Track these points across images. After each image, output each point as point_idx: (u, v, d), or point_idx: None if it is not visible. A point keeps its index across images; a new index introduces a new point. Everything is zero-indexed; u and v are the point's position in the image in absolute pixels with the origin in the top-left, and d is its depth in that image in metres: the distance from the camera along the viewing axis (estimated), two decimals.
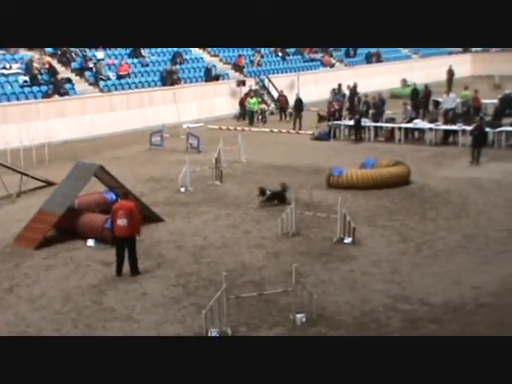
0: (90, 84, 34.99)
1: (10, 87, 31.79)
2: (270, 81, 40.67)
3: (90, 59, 35.96)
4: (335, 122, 31.04)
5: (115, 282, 14.32)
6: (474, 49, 53.81)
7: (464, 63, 52.00)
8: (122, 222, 14.31)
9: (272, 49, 44.47)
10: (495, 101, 33.73)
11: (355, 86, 37.37)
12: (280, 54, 44.63)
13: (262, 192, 19.40)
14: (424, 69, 48.56)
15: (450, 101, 32.43)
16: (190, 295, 13.54)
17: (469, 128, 26.40)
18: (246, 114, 36.63)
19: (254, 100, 36.25)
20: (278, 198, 19.51)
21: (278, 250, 16.01)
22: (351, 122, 30.42)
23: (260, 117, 35.80)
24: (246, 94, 37.46)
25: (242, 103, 37.34)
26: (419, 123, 29.34)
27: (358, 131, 29.63)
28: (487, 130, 26.90)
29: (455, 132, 28.25)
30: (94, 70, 35.43)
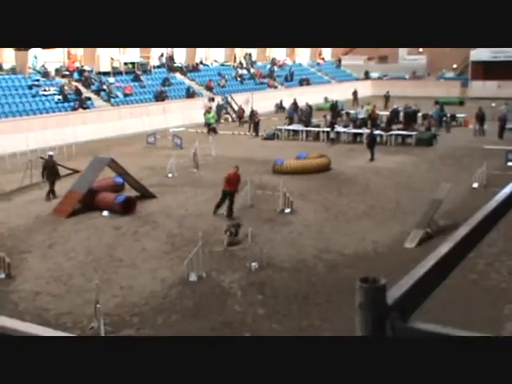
0: (105, 101, 34.26)
1: (48, 104, 31.11)
2: (231, 98, 40.28)
3: (104, 83, 35.13)
4: (278, 127, 30.90)
5: (123, 241, 14.15)
6: (373, 76, 54.40)
7: (367, 86, 52.23)
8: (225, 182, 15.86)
9: (233, 74, 44.01)
10: (387, 113, 34.00)
11: (295, 103, 37.09)
12: (239, 79, 44.24)
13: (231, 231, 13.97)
14: (339, 90, 48.65)
15: (362, 113, 32.85)
16: (176, 250, 13.45)
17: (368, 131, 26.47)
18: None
19: (211, 115, 33.22)
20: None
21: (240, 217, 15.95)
22: (291, 127, 30.62)
23: (212, 128, 32.03)
24: (210, 107, 35.15)
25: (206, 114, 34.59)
26: (337, 128, 29.41)
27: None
28: (382, 133, 27.33)
29: (361, 134, 28.41)
30: (107, 90, 34.69)
